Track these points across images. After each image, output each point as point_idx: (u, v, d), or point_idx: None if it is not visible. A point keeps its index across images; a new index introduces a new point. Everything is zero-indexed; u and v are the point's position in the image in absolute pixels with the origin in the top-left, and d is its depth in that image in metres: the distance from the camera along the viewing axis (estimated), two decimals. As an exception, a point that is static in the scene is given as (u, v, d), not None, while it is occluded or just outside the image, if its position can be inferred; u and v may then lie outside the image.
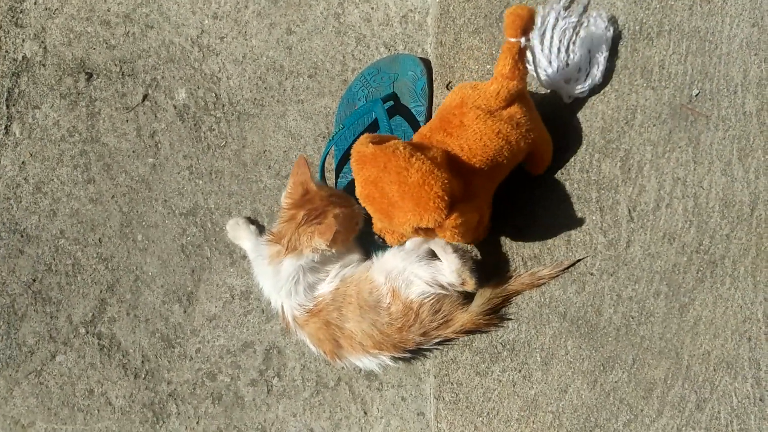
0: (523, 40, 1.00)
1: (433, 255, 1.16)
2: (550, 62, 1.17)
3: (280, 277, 1.17)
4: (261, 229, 1.34)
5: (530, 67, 1.12)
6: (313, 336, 1.18)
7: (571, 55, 1.17)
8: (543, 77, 1.16)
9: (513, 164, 1.10)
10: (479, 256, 1.21)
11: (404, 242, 1.16)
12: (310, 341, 1.19)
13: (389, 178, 0.99)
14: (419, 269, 1.14)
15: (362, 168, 1.01)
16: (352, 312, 1.14)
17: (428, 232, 1.04)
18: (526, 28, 1.00)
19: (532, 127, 1.08)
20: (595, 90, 1.18)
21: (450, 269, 1.12)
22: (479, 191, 1.07)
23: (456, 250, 1.13)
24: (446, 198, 0.97)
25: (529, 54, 1.07)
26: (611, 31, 1.17)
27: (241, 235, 1.32)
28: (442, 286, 1.14)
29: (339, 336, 1.16)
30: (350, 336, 1.14)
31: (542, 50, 1.17)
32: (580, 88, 1.17)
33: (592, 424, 1.13)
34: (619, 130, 1.17)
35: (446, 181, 0.98)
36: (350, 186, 1.32)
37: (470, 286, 1.13)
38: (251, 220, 1.36)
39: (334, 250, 1.16)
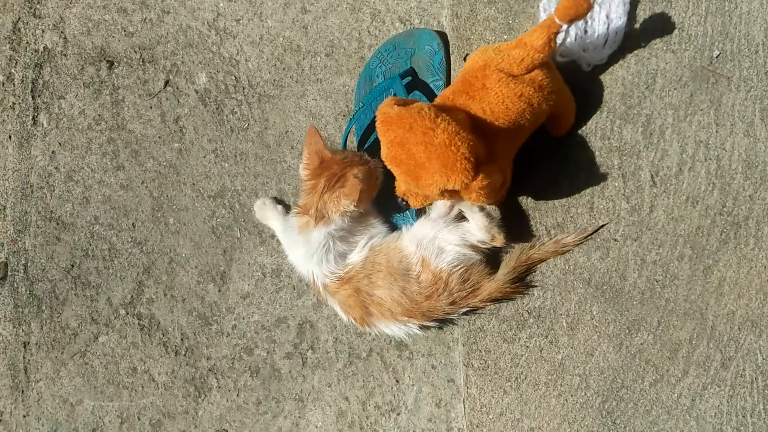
0: (566, 26, 1.01)
1: (460, 219, 1.19)
2: (568, 32, 1.16)
3: (310, 246, 1.21)
4: (287, 209, 1.37)
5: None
6: (344, 303, 1.22)
7: (590, 22, 1.17)
8: (561, 48, 1.16)
9: (535, 126, 1.11)
10: (503, 224, 1.23)
11: (427, 204, 1.17)
12: (341, 308, 1.24)
13: (415, 139, 1.00)
14: (449, 234, 1.17)
15: (388, 129, 1.02)
16: (382, 279, 1.18)
17: (453, 194, 1.06)
18: (578, 16, 1.00)
19: (554, 89, 1.08)
20: (614, 56, 1.17)
21: (479, 227, 1.16)
22: (502, 153, 1.08)
23: (482, 209, 1.16)
24: (472, 159, 0.99)
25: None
26: None
27: (268, 215, 1.36)
28: (472, 246, 1.17)
29: (369, 303, 1.20)
30: (380, 303, 1.19)
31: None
32: (600, 56, 1.16)
33: (618, 384, 1.17)
34: (640, 95, 1.17)
35: (472, 143, 0.99)
36: (374, 151, 1.34)
37: (499, 241, 1.17)
38: (278, 200, 1.39)
39: (361, 209, 1.20)
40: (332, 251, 1.21)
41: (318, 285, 1.23)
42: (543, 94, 1.06)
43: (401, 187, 1.14)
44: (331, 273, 1.21)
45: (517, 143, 1.11)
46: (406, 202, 1.15)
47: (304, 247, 1.22)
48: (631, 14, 1.16)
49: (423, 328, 1.22)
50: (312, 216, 1.20)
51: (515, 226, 1.21)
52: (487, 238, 1.16)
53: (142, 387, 1.46)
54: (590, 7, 1.00)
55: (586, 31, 1.17)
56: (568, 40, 1.16)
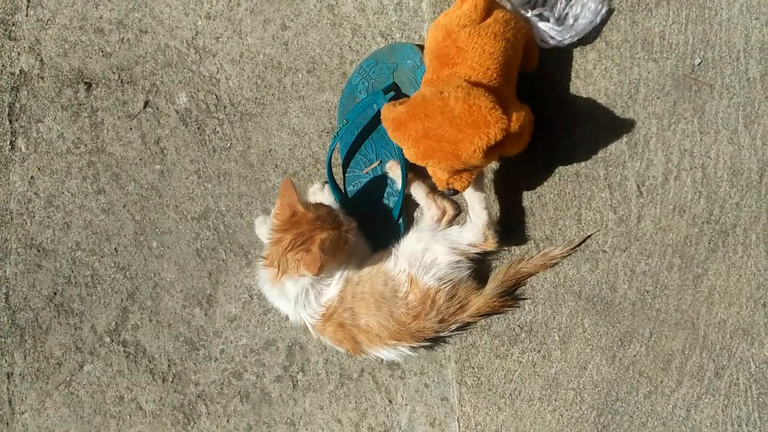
0: None
1: (449, 225, 1.20)
2: None
3: (288, 295, 1.20)
4: None
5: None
6: (333, 338, 1.21)
7: (560, 6, 1.15)
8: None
9: (518, 61, 1.10)
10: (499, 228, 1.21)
11: (472, 181, 1.12)
12: (332, 343, 1.22)
13: (437, 122, 0.99)
14: (437, 245, 1.16)
15: (405, 129, 1.01)
16: (366, 308, 1.16)
17: (495, 151, 1.03)
18: None
19: (516, 19, 1.09)
20: (596, 66, 1.17)
21: (477, 224, 1.15)
22: (507, 96, 1.07)
23: (486, 207, 1.15)
24: (498, 106, 0.98)
25: None
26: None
27: (266, 232, 1.34)
28: (462, 252, 1.16)
29: (355, 333, 1.18)
30: (367, 330, 1.17)
31: None
32: (559, 37, 1.15)
33: (613, 397, 1.16)
34: (623, 105, 1.16)
35: (487, 93, 0.99)
36: (357, 180, 1.33)
37: (491, 244, 1.16)
38: None
39: (322, 275, 1.17)
40: (310, 293, 1.20)
41: (308, 327, 1.22)
42: (512, 26, 1.07)
43: (442, 177, 1.10)
44: (314, 312, 1.20)
45: (514, 81, 1.10)
46: (453, 189, 1.10)
47: (283, 298, 1.21)
48: (604, 18, 1.15)
49: (413, 348, 1.20)
50: (277, 269, 1.18)
51: (503, 240, 1.20)
52: (479, 240, 1.15)
53: (130, 416, 1.43)
54: None
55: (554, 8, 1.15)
56: None
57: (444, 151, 1.01)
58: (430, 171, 1.09)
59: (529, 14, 1.14)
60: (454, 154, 1.01)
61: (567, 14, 1.15)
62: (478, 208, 1.16)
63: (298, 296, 1.19)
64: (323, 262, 1.11)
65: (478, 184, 1.15)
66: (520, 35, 1.08)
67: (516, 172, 1.17)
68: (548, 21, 1.14)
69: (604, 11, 1.15)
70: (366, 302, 1.17)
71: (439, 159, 1.03)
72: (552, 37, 1.14)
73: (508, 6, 1.15)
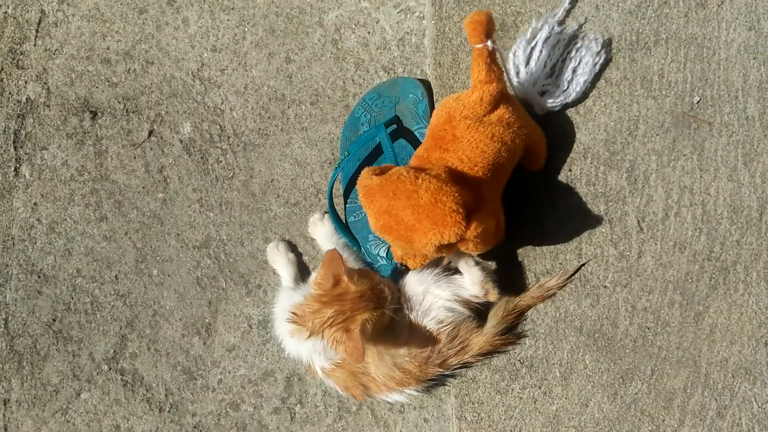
0: (489, 43, 1.03)
1: (451, 272, 1.18)
2: (519, 72, 1.17)
3: (304, 348, 1.16)
4: (299, 257, 1.35)
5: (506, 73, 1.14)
6: (341, 383, 1.19)
7: (556, 71, 1.18)
8: (515, 83, 1.17)
9: (513, 163, 1.11)
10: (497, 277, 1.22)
11: (426, 264, 1.16)
12: (339, 387, 1.20)
13: (401, 204, 1.00)
14: (439, 290, 1.15)
15: (372, 200, 1.02)
16: (372, 358, 1.15)
17: (450, 248, 1.05)
18: (488, 31, 1.02)
19: (523, 123, 1.09)
20: (595, 103, 1.18)
21: (473, 282, 1.14)
22: (489, 196, 1.08)
23: (477, 263, 1.15)
24: (461, 210, 0.98)
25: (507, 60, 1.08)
26: (602, 57, 1.17)
27: (278, 260, 1.33)
28: (465, 302, 1.15)
29: (365, 381, 1.17)
30: (374, 379, 1.16)
31: (529, 61, 1.18)
32: (552, 102, 1.17)
33: (614, 435, 1.14)
34: (623, 142, 1.17)
35: (457, 194, 0.99)
36: (358, 212, 1.33)
37: (493, 296, 1.15)
38: (291, 245, 1.36)
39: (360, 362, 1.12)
40: (325, 347, 1.15)
41: (315, 369, 1.19)
42: (513, 130, 1.07)
43: (397, 252, 1.13)
44: (330, 361, 1.17)
45: (501, 183, 1.11)
46: (405, 265, 1.14)
47: (298, 346, 1.17)
48: (597, 75, 1.17)
49: (419, 390, 1.19)
50: (308, 331, 1.11)
51: (504, 274, 1.20)
52: (480, 293, 1.14)
53: (126, 445, 1.41)
54: (488, 14, 1.02)
55: (550, 75, 1.17)
56: (522, 72, 1.17)
57: (400, 233, 1.02)
58: (387, 241, 1.09)
59: (534, 88, 1.16)
60: (407, 239, 1.02)
61: (565, 68, 1.17)
62: (465, 267, 1.15)
63: (316, 346, 1.14)
64: (365, 348, 1.05)
65: (459, 254, 1.14)
66: (519, 140, 1.08)
67: (516, 206, 1.17)
68: (551, 96, 1.17)
69: (601, 62, 1.17)
70: (371, 352, 1.15)
71: (394, 238, 1.05)
72: (551, 106, 1.17)
73: (515, 83, 1.17)
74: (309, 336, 1.10)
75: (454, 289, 1.14)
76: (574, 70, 1.17)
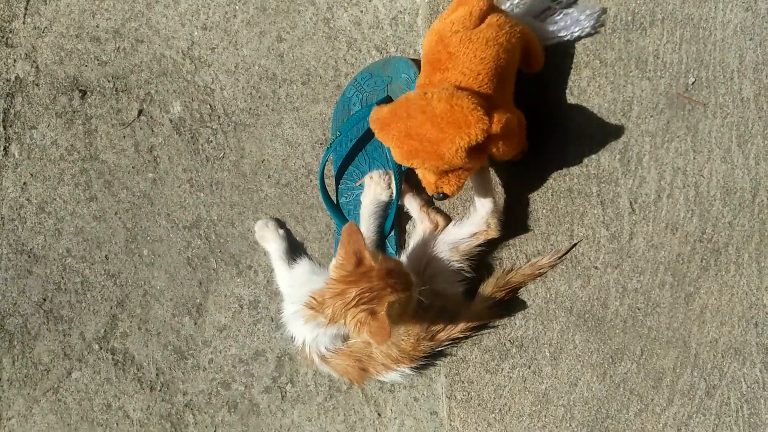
0: None
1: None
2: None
3: (313, 331, 1.12)
4: (288, 233, 1.34)
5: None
6: (339, 368, 1.19)
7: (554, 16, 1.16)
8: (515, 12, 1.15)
9: (515, 65, 1.10)
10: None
11: (462, 185, 1.09)
12: (336, 373, 1.20)
13: (418, 121, 0.99)
14: (439, 252, 1.16)
15: (389, 129, 1.01)
16: None
17: (482, 152, 1.02)
18: None
19: (515, 22, 1.08)
20: (589, 83, 1.17)
21: (481, 212, 1.14)
22: (501, 101, 1.06)
23: (492, 195, 1.14)
24: (480, 107, 0.97)
25: None
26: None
27: (268, 236, 1.32)
28: (464, 251, 1.16)
29: (366, 363, 1.17)
30: (374, 360, 1.16)
31: None
32: (565, 32, 1.15)
33: (603, 415, 1.15)
34: (617, 123, 1.17)
35: (471, 95, 0.98)
36: (350, 192, 1.32)
37: (493, 232, 1.15)
38: (280, 223, 1.36)
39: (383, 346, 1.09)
40: (337, 336, 1.13)
41: (311, 355, 1.16)
42: (506, 30, 1.06)
43: (430, 180, 1.08)
44: (333, 349, 1.15)
45: (510, 86, 1.09)
46: (443, 193, 1.07)
47: (304, 328, 1.11)
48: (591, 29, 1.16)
49: (413, 368, 1.19)
50: (326, 318, 1.05)
51: (495, 253, 1.20)
52: (481, 227, 1.14)
53: (117, 424, 1.41)
54: None
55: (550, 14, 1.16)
56: None
57: (427, 150, 1.01)
58: (419, 175, 1.08)
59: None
60: (436, 153, 1.00)
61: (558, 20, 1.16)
62: (484, 194, 1.14)
63: (322, 333, 1.11)
64: (391, 330, 0.97)
65: (482, 176, 1.14)
66: (515, 39, 1.07)
67: (508, 187, 1.17)
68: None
69: (592, 22, 1.15)
70: None
71: (423, 159, 1.02)
72: (554, 34, 1.14)
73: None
74: (328, 323, 1.03)
75: (451, 240, 1.14)
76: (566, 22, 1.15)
